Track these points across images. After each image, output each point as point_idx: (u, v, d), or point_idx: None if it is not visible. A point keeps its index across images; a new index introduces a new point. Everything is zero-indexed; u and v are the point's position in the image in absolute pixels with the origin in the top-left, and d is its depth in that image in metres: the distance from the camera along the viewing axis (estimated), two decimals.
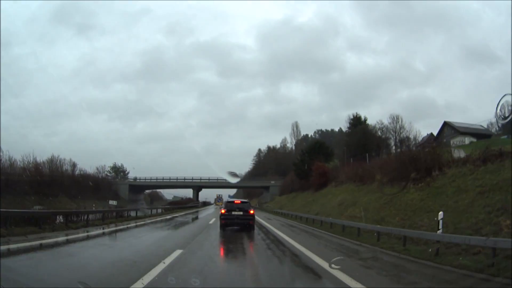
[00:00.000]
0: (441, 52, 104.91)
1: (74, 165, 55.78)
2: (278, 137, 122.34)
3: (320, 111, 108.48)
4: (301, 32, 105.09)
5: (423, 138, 48.90)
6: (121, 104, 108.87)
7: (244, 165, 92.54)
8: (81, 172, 55.73)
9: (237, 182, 61.76)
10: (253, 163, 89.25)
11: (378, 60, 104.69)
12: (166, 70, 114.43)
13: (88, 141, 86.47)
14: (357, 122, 53.44)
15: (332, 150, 51.46)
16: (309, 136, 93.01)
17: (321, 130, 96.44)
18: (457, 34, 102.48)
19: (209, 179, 63.15)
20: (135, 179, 68.70)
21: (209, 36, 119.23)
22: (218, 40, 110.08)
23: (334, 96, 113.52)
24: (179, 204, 57.05)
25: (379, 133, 50.74)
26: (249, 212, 17.85)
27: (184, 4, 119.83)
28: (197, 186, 66.29)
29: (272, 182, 67.49)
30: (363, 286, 6.07)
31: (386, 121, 49.66)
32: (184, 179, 65.34)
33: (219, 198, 65.04)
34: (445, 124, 50.11)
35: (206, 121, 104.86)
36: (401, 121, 48.50)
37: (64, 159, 52.39)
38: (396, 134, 47.80)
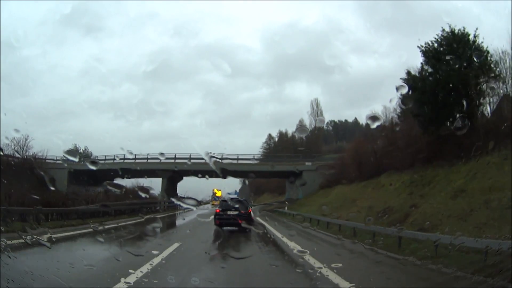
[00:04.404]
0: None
1: None
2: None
3: (323, 110, 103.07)
4: (305, 34, 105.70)
5: None
6: (127, 104, 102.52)
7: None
8: None
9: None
10: (263, 151, 66.52)
11: (380, 61, 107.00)
12: (172, 71, 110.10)
13: (92, 139, 79.60)
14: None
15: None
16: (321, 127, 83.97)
17: (334, 121, 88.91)
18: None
19: (190, 160, 30.66)
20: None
21: (214, 38, 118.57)
22: (223, 42, 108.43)
23: (337, 96, 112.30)
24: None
25: None
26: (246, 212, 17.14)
27: (190, 8, 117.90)
28: (170, 171, 34.52)
29: (308, 163, 39.53)
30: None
31: None
32: (147, 158, 35.96)
33: (216, 196, 42.81)
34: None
35: (211, 120, 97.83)
36: None
37: None
38: None
